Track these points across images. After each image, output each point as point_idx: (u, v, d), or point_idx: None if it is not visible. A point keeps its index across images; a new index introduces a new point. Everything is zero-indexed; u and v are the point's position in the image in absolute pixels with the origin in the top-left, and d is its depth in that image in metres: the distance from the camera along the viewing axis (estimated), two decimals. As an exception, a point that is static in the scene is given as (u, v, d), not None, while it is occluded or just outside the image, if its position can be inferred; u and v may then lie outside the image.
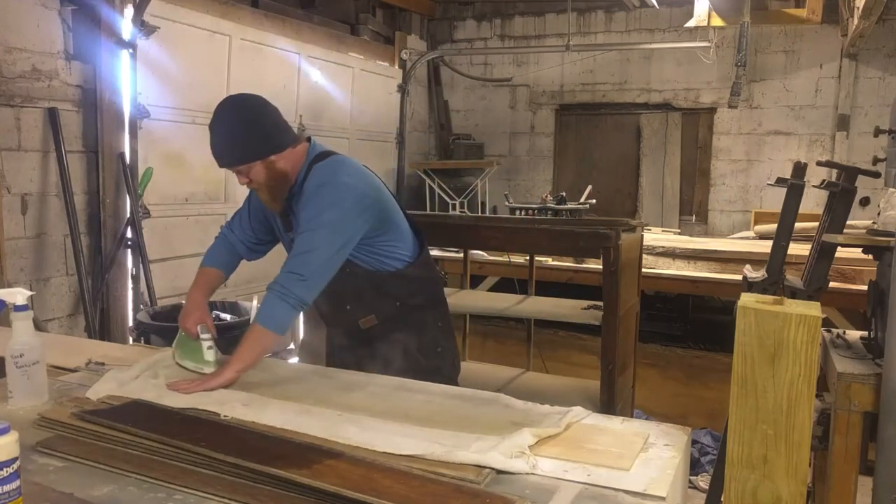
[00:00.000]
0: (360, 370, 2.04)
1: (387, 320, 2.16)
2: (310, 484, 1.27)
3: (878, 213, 2.63)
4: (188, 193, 4.46)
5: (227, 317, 3.79)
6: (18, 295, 1.70)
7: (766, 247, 3.08)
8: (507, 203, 5.49)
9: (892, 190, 2.48)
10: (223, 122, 1.98)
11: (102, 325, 3.89)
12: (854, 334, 2.60)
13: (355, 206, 1.99)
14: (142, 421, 1.55)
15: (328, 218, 1.95)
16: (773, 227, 2.86)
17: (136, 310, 3.96)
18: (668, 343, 4.93)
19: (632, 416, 3.34)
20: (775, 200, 5.78)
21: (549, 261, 4.72)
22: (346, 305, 2.17)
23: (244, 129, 1.97)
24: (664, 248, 4.85)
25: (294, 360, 5.21)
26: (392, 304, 2.19)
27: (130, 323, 3.95)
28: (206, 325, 2.02)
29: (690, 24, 5.72)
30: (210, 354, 1.96)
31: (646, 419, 3.22)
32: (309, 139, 2.13)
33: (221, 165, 2.03)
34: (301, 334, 5.45)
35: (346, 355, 2.23)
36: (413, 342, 2.23)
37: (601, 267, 2.85)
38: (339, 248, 1.97)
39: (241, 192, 5.11)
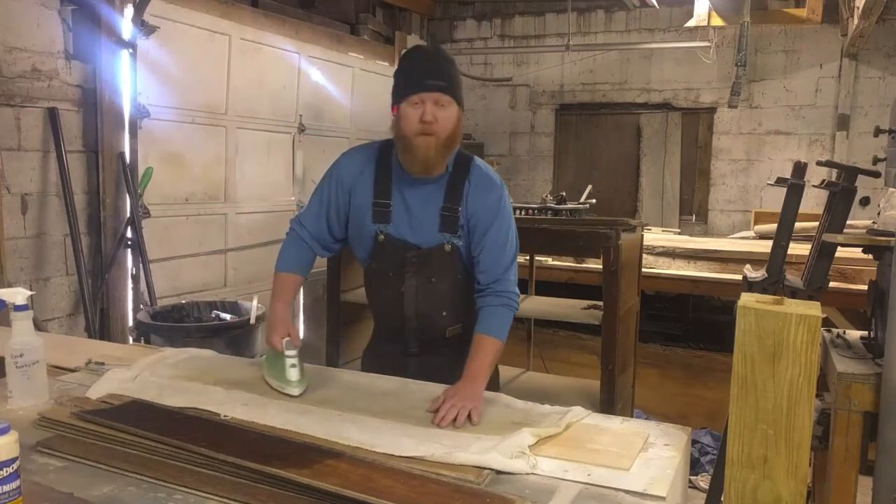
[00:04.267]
0: (431, 380, 1.94)
1: (466, 329, 2.07)
2: (310, 484, 1.27)
3: (878, 213, 2.63)
4: (188, 193, 4.46)
5: (228, 316, 3.79)
6: (18, 295, 1.70)
7: (766, 247, 3.08)
8: (507, 203, 5.48)
9: (892, 190, 2.48)
10: (449, 58, 1.92)
11: (102, 325, 3.89)
12: (854, 334, 2.60)
13: None
14: (142, 421, 1.55)
15: (513, 226, 2.02)
16: (773, 227, 2.87)
17: (136, 310, 3.96)
18: (668, 343, 4.93)
19: (632, 416, 3.34)
20: (775, 200, 5.77)
21: (549, 261, 4.72)
22: (442, 312, 2.05)
23: (461, 77, 1.93)
24: (664, 248, 4.85)
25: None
26: (473, 313, 2.10)
27: (130, 323, 3.95)
28: (291, 339, 1.88)
29: (690, 23, 5.72)
30: (293, 374, 1.82)
31: (646, 419, 3.22)
32: None
33: (434, 85, 1.84)
34: (301, 334, 5.45)
35: (414, 364, 2.08)
36: None
37: (601, 267, 2.85)
38: None
39: (241, 192, 5.13)
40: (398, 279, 2.01)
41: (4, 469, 1.14)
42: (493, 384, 2.15)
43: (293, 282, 2.05)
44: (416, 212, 1.98)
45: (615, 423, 1.72)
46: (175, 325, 3.63)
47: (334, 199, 2.03)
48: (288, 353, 1.83)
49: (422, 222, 1.98)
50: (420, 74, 1.85)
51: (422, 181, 1.96)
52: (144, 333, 3.54)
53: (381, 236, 1.98)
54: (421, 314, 2.03)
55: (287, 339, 1.86)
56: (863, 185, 2.91)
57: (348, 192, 2.01)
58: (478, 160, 2.03)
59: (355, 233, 2.05)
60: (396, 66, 1.97)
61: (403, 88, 1.88)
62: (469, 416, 1.64)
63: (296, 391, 1.79)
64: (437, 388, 1.87)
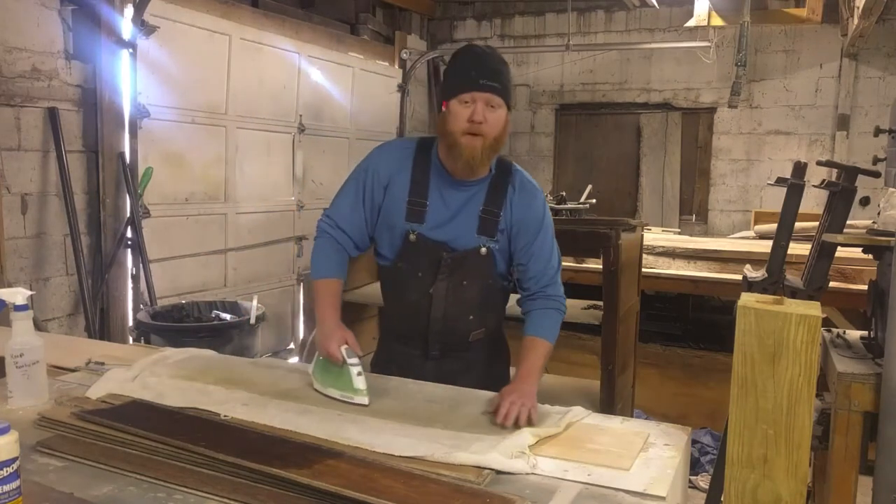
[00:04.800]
0: (447, 382, 1.92)
1: (488, 333, 2.09)
2: (310, 484, 1.27)
3: (878, 213, 2.63)
4: (188, 193, 4.46)
5: (228, 316, 3.80)
6: (18, 295, 1.70)
7: (766, 247, 3.08)
8: (507, 203, 5.47)
9: (892, 190, 2.48)
10: (502, 59, 1.87)
11: (102, 325, 3.89)
12: (854, 334, 2.60)
13: None
14: (142, 421, 1.54)
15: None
16: (773, 226, 2.87)
17: (136, 310, 3.96)
18: (668, 343, 4.92)
19: (632, 416, 3.33)
20: (775, 200, 5.77)
21: (549, 260, 4.70)
22: (469, 316, 2.01)
23: (511, 80, 1.88)
24: (664, 248, 4.84)
25: (294, 359, 5.22)
26: (497, 317, 2.14)
27: (130, 323, 3.95)
28: (350, 346, 1.79)
29: (690, 23, 5.72)
30: (360, 382, 1.74)
31: (646, 419, 3.22)
32: None
33: (488, 86, 1.79)
34: (301, 334, 5.46)
35: (433, 368, 2.03)
36: (501, 356, 2.21)
37: (601, 267, 2.85)
38: None
39: (241, 192, 5.13)
40: (427, 280, 1.95)
41: (4, 469, 1.14)
42: (503, 381, 2.16)
43: (337, 286, 1.94)
44: (453, 212, 1.93)
45: (615, 423, 1.72)
46: (175, 325, 3.64)
47: (370, 193, 1.95)
48: (351, 361, 1.75)
49: (459, 224, 1.93)
50: (475, 73, 1.80)
51: (462, 182, 1.92)
52: (144, 333, 3.54)
53: (413, 236, 1.92)
54: (449, 317, 1.99)
55: (346, 346, 1.78)
56: (863, 185, 2.91)
57: (384, 186, 1.94)
58: (516, 165, 2.02)
59: (384, 230, 1.98)
60: (448, 63, 1.92)
61: (455, 85, 1.83)
62: (529, 416, 1.63)
63: (366, 400, 1.72)
64: (436, 389, 1.87)
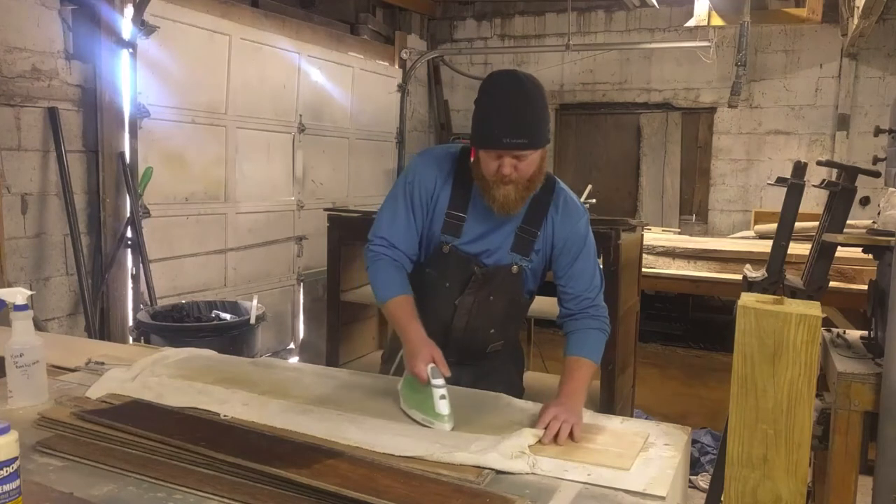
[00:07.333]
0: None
1: (506, 345, 2.09)
2: (310, 484, 1.27)
3: (878, 213, 2.63)
4: (188, 193, 4.46)
5: (228, 316, 3.80)
6: (18, 295, 1.70)
7: (766, 246, 3.08)
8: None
9: (892, 189, 2.48)
10: (534, 98, 1.75)
11: (102, 325, 3.89)
12: (854, 334, 2.60)
13: None
14: (142, 421, 1.55)
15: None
16: (773, 226, 2.87)
17: (136, 309, 3.96)
18: (668, 343, 4.93)
19: (632, 416, 3.34)
20: (775, 200, 5.77)
21: (549, 260, 4.70)
22: (491, 329, 2.01)
23: (546, 109, 1.78)
24: (664, 247, 4.85)
25: (294, 359, 5.22)
26: (516, 329, 2.14)
27: (130, 323, 3.95)
28: (437, 365, 1.69)
29: (690, 23, 5.71)
30: (443, 406, 1.62)
31: (646, 419, 3.23)
32: None
33: (514, 144, 1.72)
34: (301, 334, 5.46)
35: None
36: (517, 365, 2.21)
37: (601, 267, 2.85)
38: None
39: (241, 192, 5.12)
40: (454, 292, 1.95)
41: (4, 469, 1.14)
42: (517, 389, 2.15)
43: (412, 302, 1.87)
44: (491, 227, 1.91)
45: (615, 423, 1.72)
46: (175, 325, 3.64)
47: (420, 206, 1.92)
48: (435, 382, 1.64)
49: (494, 239, 1.92)
50: (500, 130, 1.72)
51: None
52: (144, 333, 3.54)
53: (447, 248, 1.91)
54: (470, 329, 1.99)
55: (433, 366, 1.68)
56: (863, 185, 2.91)
57: (431, 196, 1.91)
58: (560, 182, 1.96)
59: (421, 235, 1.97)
60: (477, 96, 1.82)
61: (481, 137, 1.78)
62: (571, 433, 1.58)
63: (448, 426, 1.61)
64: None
